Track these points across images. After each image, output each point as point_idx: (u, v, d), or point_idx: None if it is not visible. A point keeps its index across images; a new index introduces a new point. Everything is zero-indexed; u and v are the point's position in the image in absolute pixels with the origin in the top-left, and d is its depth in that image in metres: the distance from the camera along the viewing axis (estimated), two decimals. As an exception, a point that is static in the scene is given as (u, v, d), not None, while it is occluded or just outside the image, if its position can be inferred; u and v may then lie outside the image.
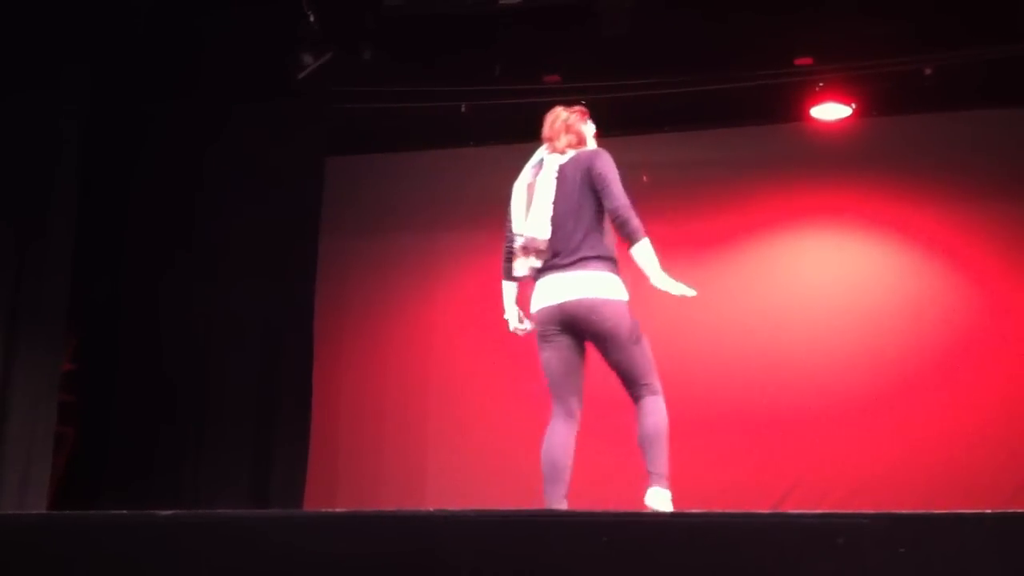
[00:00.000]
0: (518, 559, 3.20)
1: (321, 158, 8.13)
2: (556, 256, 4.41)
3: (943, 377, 7.37)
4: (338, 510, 5.27)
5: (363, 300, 8.43)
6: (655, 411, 4.30)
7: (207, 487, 7.52)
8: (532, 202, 4.47)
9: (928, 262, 7.67)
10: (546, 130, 4.63)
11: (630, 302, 4.39)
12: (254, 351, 7.86)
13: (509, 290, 4.65)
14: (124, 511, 3.93)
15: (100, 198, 7.72)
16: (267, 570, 3.38)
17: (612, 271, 4.38)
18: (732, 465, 7.29)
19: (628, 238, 4.33)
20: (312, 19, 7.20)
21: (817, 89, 7.65)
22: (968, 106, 7.57)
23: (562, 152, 4.55)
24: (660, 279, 4.33)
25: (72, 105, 7.13)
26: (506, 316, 4.66)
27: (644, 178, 7.14)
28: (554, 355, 4.41)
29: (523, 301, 4.61)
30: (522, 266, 4.49)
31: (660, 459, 4.24)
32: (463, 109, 7.89)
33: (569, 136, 4.58)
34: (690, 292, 4.33)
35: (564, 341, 4.39)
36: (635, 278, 4.41)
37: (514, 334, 4.68)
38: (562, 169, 4.50)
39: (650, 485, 4.22)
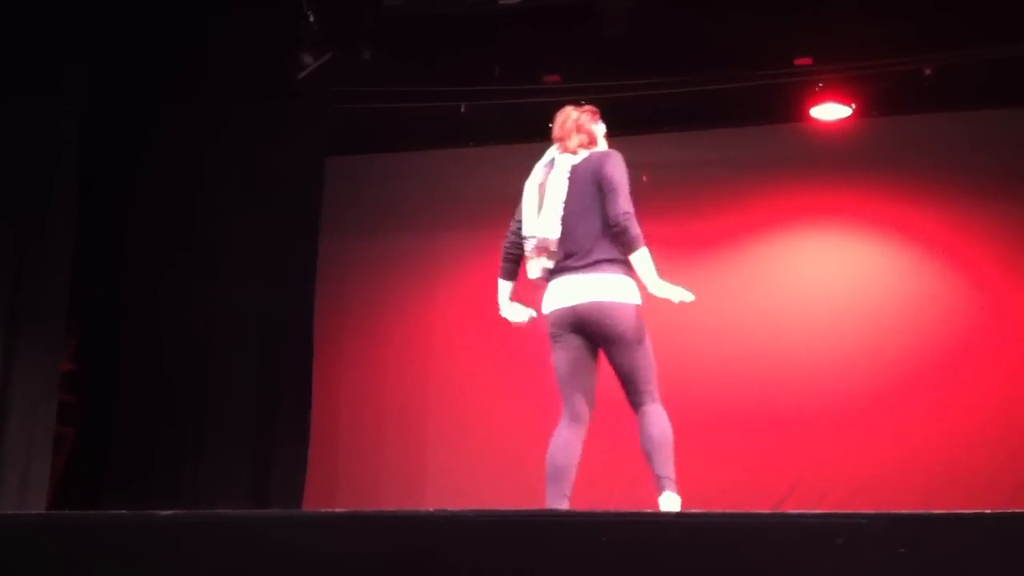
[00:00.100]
0: (518, 559, 3.20)
1: (321, 158, 8.13)
2: (569, 258, 4.40)
3: (943, 377, 7.38)
4: (338, 510, 5.26)
5: (363, 300, 8.43)
6: (660, 418, 4.32)
7: (207, 487, 7.52)
8: (543, 202, 4.46)
9: (928, 262, 7.67)
10: (557, 130, 4.62)
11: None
12: (254, 351, 7.86)
13: (505, 289, 4.65)
14: (124, 511, 3.93)
15: (100, 198, 7.73)
16: (267, 570, 3.38)
17: (626, 274, 4.37)
18: (732, 465, 7.29)
19: (627, 246, 4.32)
20: (312, 19, 7.20)
21: (817, 89, 7.65)
22: (968, 106, 7.57)
23: (574, 152, 4.54)
24: (658, 287, 4.32)
25: (72, 105, 7.13)
26: (503, 314, 4.66)
27: (644, 178, 7.10)
28: (563, 356, 4.41)
29: (533, 302, 4.60)
30: (535, 267, 4.48)
31: (670, 464, 4.27)
32: (463, 109, 7.88)
33: (580, 136, 4.57)
34: (689, 297, 4.32)
35: (574, 342, 4.38)
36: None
37: (516, 328, 4.68)
38: (575, 169, 4.49)
39: (664, 490, 4.25)
